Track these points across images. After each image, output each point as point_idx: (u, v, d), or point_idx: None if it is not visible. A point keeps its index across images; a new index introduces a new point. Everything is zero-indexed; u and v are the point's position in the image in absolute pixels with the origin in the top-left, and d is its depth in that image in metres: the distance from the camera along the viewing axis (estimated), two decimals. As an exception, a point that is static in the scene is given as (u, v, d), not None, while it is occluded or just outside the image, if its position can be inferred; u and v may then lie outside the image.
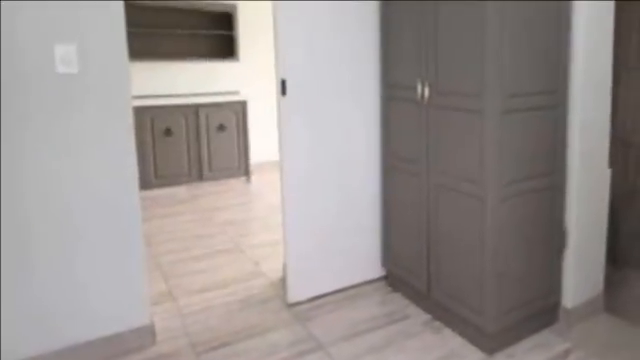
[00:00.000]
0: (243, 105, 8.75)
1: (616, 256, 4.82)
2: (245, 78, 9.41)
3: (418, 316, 4.19)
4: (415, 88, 3.99)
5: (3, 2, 3.13)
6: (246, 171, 8.91)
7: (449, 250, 3.84)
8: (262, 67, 9.39)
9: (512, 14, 3.28)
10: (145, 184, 7.83)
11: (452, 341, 3.85)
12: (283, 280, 4.64)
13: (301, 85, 4.19)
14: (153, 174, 8.03)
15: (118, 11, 3.49)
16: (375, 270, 4.80)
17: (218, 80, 9.20)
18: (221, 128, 8.55)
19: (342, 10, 4.29)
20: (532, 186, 3.60)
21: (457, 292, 3.80)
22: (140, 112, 7.66)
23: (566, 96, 3.72)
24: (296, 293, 4.42)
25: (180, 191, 8.28)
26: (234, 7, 8.92)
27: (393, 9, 4.21)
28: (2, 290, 3.34)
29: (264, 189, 8.41)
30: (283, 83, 4.10)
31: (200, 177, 8.46)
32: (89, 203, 3.55)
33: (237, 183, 8.81)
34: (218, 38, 9.12)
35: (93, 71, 3.45)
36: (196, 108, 8.30)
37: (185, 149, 8.28)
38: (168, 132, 8.07)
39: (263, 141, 9.51)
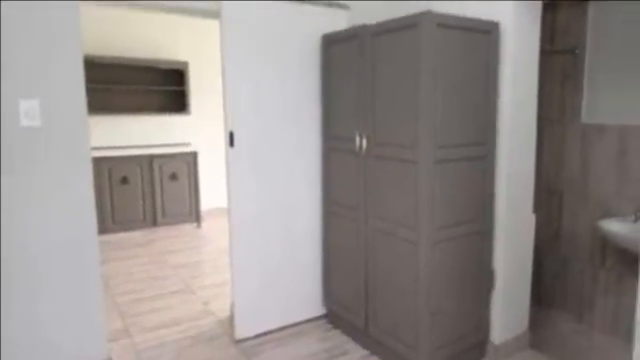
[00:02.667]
0: (194, 155, 8.77)
1: (540, 296, 4.90)
2: (196, 130, 9.40)
3: (356, 351, 4.20)
4: (354, 140, 4.05)
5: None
6: (197, 217, 8.88)
7: (386, 290, 3.87)
8: (212, 120, 9.37)
9: (444, 69, 3.38)
10: (103, 229, 7.73)
11: (389, 375, 3.87)
12: (231, 318, 4.61)
13: (248, 137, 4.22)
14: (111, 219, 7.98)
15: (78, 68, 3.51)
16: (317, 308, 4.80)
17: (170, 132, 9.17)
18: (174, 177, 8.53)
19: (287, 67, 4.36)
20: (462, 231, 3.67)
21: (393, 329, 3.82)
22: (98, 162, 7.59)
23: (494, 147, 3.81)
24: (243, 330, 4.40)
25: (136, 235, 8.18)
26: (185, 64, 8.98)
27: (333, 67, 4.29)
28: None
29: (214, 234, 8.35)
30: (231, 135, 4.13)
31: (154, 222, 8.41)
32: (51, 247, 3.53)
33: (189, 228, 8.73)
34: (170, 93, 9.12)
35: (55, 124, 3.45)
36: (150, 158, 8.29)
37: (140, 196, 8.24)
38: (124, 180, 8.03)
39: (213, 189, 9.46)
